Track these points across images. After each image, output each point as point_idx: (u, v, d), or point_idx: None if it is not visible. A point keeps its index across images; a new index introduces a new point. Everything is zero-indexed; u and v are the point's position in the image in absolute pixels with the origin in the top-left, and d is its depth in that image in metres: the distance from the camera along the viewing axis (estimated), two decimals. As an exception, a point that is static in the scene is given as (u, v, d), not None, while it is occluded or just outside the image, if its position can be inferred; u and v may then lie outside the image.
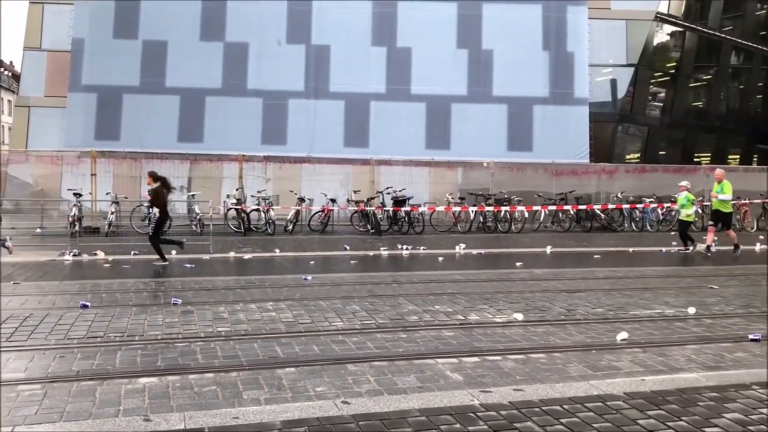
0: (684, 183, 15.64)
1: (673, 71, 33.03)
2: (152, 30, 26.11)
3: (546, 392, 4.92)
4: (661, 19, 30.55)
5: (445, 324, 7.26)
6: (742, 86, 37.35)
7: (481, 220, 20.00)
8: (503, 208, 19.75)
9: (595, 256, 14.35)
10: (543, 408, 4.57)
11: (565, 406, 4.62)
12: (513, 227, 19.83)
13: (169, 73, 26.13)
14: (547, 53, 27.26)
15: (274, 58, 26.35)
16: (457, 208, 19.76)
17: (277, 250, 14.18)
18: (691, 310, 8.12)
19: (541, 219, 20.69)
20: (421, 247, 15.27)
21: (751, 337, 6.83)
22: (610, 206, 20.58)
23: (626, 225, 20.81)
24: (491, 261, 13.73)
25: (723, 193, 14.69)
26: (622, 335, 6.78)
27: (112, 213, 17.35)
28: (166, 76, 26.14)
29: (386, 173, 22.01)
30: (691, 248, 15.10)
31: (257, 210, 18.20)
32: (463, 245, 15.54)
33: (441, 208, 19.80)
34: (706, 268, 12.65)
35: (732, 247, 14.92)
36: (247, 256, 13.33)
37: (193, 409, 4.55)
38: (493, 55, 27.17)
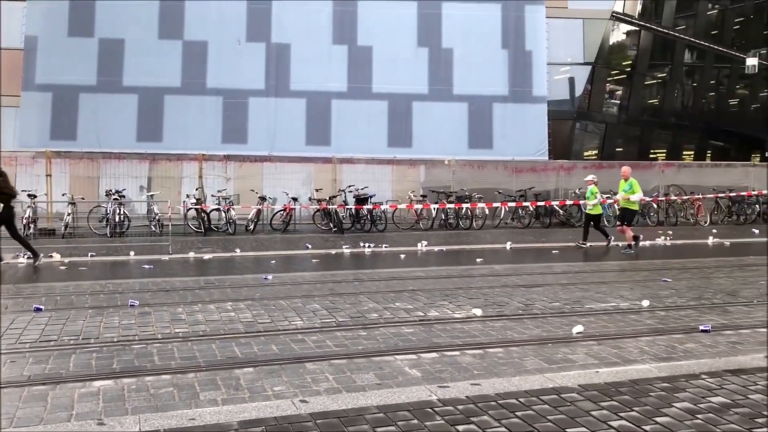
0: (590, 177, 15.82)
1: (629, 69, 33.71)
2: (108, 28, 25.64)
3: (502, 386, 4.98)
4: (616, 18, 31.17)
5: (405, 321, 7.30)
6: (695, 84, 38.30)
7: (443, 217, 20.13)
8: (464, 205, 19.92)
9: (554, 252, 14.57)
10: (499, 402, 4.63)
11: (521, 399, 4.69)
12: (474, 224, 20.01)
13: (126, 71, 25.70)
14: (506, 52, 27.57)
15: (233, 56, 26.14)
16: (419, 206, 19.87)
17: (238, 250, 14.07)
18: (645, 303, 8.31)
19: (502, 215, 20.93)
20: (384, 245, 15.31)
21: (701, 328, 7.02)
22: (568, 202, 20.91)
23: (585, 220, 21.13)
24: (452, 257, 13.84)
25: (633, 193, 14.61)
26: (578, 328, 6.90)
27: (69, 214, 17.01)
28: (124, 75, 25.71)
29: (348, 171, 22.04)
30: (606, 243, 15.32)
31: (218, 210, 18.03)
32: (425, 242, 15.63)
33: (403, 206, 19.87)
34: (661, 261, 12.93)
35: (627, 245, 14.66)
36: (207, 257, 13.19)
37: (149, 411, 4.50)
38: (453, 53, 27.40)
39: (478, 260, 12.68)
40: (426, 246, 15.31)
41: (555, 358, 5.95)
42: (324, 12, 26.61)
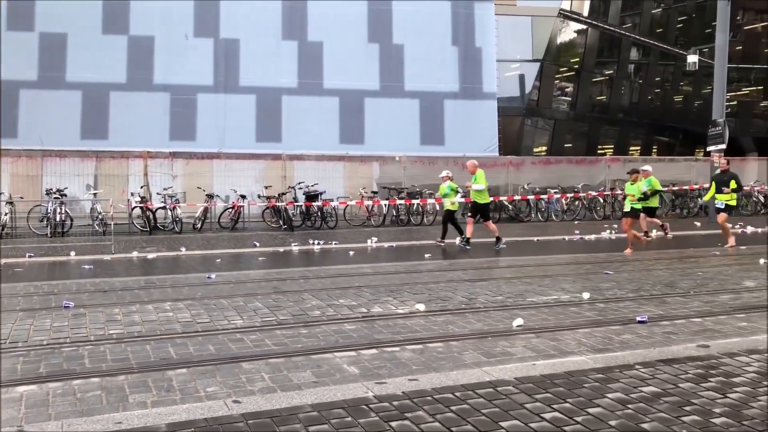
0: (445, 173, 15.45)
1: (576, 66, 34.27)
2: (50, 22, 24.81)
3: (440, 381, 4.97)
4: (564, 15, 31.62)
5: (348, 317, 7.24)
6: (641, 81, 39.18)
7: (394, 213, 20.15)
8: (414, 201, 19.95)
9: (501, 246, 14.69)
10: (435, 396, 4.62)
11: (457, 394, 4.69)
12: (425, 220, 20.08)
13: (69, 67, 24.91)
14: (456, 48, 27.71)
15: (181, 52, 25.59)
16: (369, 202, 19.81)
17: (183, 249, 13.80)
18: (586, 295, 8.43)
19: (453, 211, 21.00)
20: (333, 242, 15.23)
21: (638, 319, 7.15)
22: (516, 198, 21.12)
23: (533, 215, 21.44)
24: (402, 253, 13.83)
25: (476, 183, 14.32)
26: (518, 322, 6.96)
27: (6, 214, 16.44)
28: (67, 71, 24.93)
29: (300, 168, 21.89)
30: (459, 241, 14.77)
31: (164, 208, 17.64)
32: (375, 239, 15.61)
33: (353, 203, 19.78)
34: (605, 254, 13.17)
35: (494, 240, 14.44)
36: (150, 256, 12.91)
37: (73, 416, 4.34)
38: (404, 50, 27.39)
39: (427, 256, 12.72)
40: (376, 242, 15.29)
41: (494, 352, 5.98)
42: (273, 7, 26.29)
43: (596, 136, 36.31)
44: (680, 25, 40.57)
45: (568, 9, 31.83)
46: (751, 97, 43.89)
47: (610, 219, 21.29)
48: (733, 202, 14.83)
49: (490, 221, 14.82)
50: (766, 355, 5.67)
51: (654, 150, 40.18)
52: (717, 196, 14.55)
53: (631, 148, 38.31)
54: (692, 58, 23.12)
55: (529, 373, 5.19)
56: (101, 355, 5.77)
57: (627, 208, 13.80)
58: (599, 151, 35.07)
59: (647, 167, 15.85)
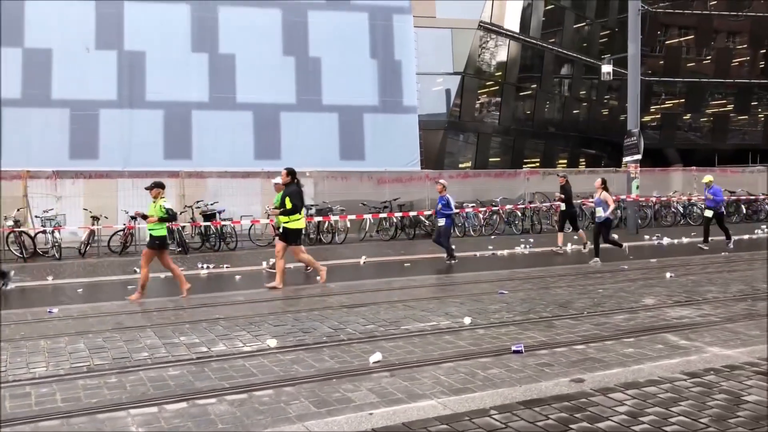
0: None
1: (500, 80, 33.99)
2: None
3: (241, 445, 3.99)
4: (484, 28, 31.31)
5: (179, 360, 6.15)
6: (566, 94, 39.32)
7: (303, 232, 19.05)
8: (316, 219, 18.90)
9: (406, 265, 13.84)
10: (222, 469, 3.63)
11: (253, 463, 3.70)
12: (336, 238, 19.07)
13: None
14: (375, 61, 27.01)
15: (82, 65, 24.08)
16: (265, 221, 18.54)
17: (50, 278, 12.40)
18: (467, 321, 7.59)
19: (367, 228, 20.12)
20: (225, 265, 14.07)
21: (513, 348, 6.32)
22: (426, 213, 20.16)
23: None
24: (293, 276, 12.78)
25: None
26: (376, 357, 6.02)
27: None
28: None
29: (213, 186, 20.69)
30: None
31: (43, 232, 16.10)
32: (272, 260, 14.50)
33: (247, 222, 18.48)
34: (508, 271, 12.40)
35: None
36: (7, 287, 11.47)
37: None
38: (321, 62, 26.52)
39: (317, 279, 11.68)
40: (272, 264, 14.19)
41: (330, 399, 5.00)
42: (181, 18, 25.03)
43: (522, 149, 36.14)
44: (604, 40, 40.98)
45: (488, 21, 31.52)
46: (674, 110, 44.75)
47: (530, 233, 20.72)
48: (295, 225, 11.05)
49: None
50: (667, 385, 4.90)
51: (582, 162, 40.31)
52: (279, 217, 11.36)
53: (559, 162, 38.30)
54: (606, 68, 22.93)
55: (360, 428, 4.27)
56: None
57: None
58: (527, 165, 34.78)
59: (277, 180, 12.21)
